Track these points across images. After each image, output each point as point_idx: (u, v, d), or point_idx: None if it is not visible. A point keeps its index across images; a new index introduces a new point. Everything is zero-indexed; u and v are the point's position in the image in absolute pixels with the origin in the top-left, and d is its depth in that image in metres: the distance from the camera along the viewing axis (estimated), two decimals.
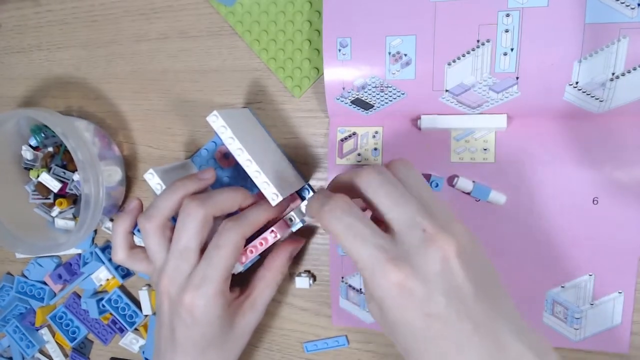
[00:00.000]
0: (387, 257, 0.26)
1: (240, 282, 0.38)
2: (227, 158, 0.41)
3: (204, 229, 0.34)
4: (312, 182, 0.41)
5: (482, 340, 0.25)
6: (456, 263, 0.26)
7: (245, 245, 0.35)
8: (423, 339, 0.26)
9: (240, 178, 0.41)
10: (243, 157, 0.33)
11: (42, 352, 0.52)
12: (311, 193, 0.40)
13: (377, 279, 0.26)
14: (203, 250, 0.34)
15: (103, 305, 0.47)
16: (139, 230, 0.44)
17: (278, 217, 0.37)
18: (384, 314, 0.27)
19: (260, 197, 0.38)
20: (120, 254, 0.37)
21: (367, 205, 0.29)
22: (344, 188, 0.30)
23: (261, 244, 0.35)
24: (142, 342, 0.48)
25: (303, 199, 0.39)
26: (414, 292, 0.26)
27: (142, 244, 0.39)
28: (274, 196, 0.33)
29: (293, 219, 0.38)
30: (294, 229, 0.38)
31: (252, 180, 0.34)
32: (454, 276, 0.26)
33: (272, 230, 0.35)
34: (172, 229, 0.35)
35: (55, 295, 0.50)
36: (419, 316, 0.26)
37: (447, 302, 0.26)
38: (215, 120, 0.33)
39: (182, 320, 0.33)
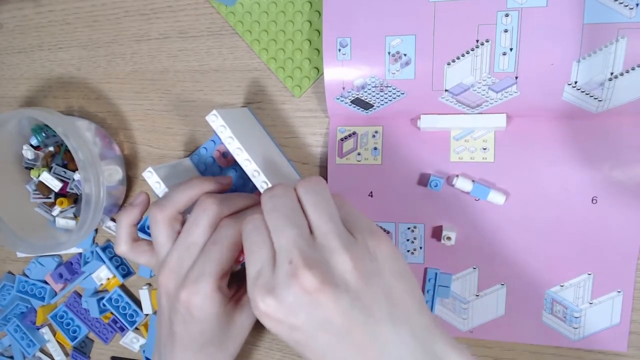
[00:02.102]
0: (259, 284, 0.27)
1: (239, 279, 0.38)
2: (225, 157, 0.42)
3: (215, 228, 0.34)
4: None
5: None
6: (319, 296, 0.26)
7: None
8: (304, 356, 0.28)
9: (238, 177, 0.41)
10: (242, 157, 0.33)
11: (43, 351, 0.52)
12: None
13: (252, 302, 0.28)
14: None
15: (104, 305, 0.47)
16: (141, 230, 0.44)
17: None
18: None
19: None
20: (123, 246, 0.37)
21: None
22: None
23: None
24: (142, 341, 0.48)
25: None
26: (280, 321, 0.27)
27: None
28: None
29: None
30: None
31: (250, 180, 0.34)
32: (318, 308, 0.26)
33: None
34: (182, 223, 0.35)
35: (56, 294, 0.50)
36: (290, 341, 0.28)
37: (315, 331, 0.27)
38: (215, 120, 0.33)
39: (179, 316, 0.34)
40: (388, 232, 0.39)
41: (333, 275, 0.27)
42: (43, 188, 0.44)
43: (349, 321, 0.26)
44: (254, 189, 0.41)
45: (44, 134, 0.44)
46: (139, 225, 0.43)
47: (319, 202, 0.29)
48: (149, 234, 0.43)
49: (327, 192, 0.30)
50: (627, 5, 0.30)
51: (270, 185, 0.33)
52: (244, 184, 0.41)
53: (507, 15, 0.32)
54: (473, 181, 0.36)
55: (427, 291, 0.39)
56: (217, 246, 0.33)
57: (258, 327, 0.44)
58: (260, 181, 0.34)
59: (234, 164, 0.41)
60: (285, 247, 0.27)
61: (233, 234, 0.33)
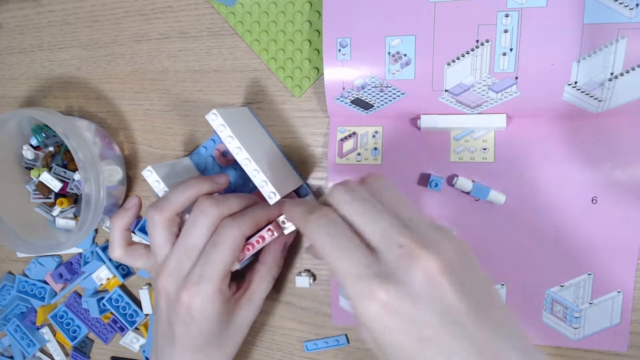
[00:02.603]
0: (370, 274, 0.24)
1: (237, 277, 0.38)
2: (225, 156, 0.42)
3: (214, 229, 0.34)
4: (311, 182, 0.41)
5: None
6: (443, 280, 0.23)
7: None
8: None
9: (238, 176, 0.41)
10: (241, 156, 0.33)
11: (43, 351, 0.52)
12: (309, 192, 0.40)
13: (361, 299, 0.24)
14: None
15: (104, 305, 0.47)
16: (137, 229, 0.44)
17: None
18: (375, 339, 0.25)
19: (259, 197, 0.38)
20: (117, 251, 0.37)
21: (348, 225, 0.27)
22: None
23: (258, 241, 0.35)
24: (142, 341, 0.48)
25: (301, 197, 0.39)
26: (401, 312, 0.23)
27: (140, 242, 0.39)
28: (271, 195, 0.34)
29: (286, 220, 0.37)
30: (286, 232, 0.36)
31: (250, 179, 0.34)
32: (443, 295, 0.23)
33: (269, 229, 0.35)
34: (180, 225, 0.35)
35: (56, 294, 0.50)
36: (411, 340, 0.24)
37: (441, 324, 0.23)
38: (215, 119, 0.33)
39: (180, 317, 0.34)
40: None
41: (445, 258, 0.24)
42: (43, 188, 0.44)
43: (469, 305, 0.24)
44: (253, 188, 0.41)
45: (44, 134, 0.44)
46: (138, 226, 0.44)
47: (399, 196, 0.28)
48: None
49: (397, 189, 0.28)
50: (627, 6, 0.30)
51: (269, 184, 0.33)
52: (244, 184, 0.41)
53: (507, 15, 0.32)
54: (473, 181, 0.36)
55: None
56: (218, 247, 0.33)
57: (258, 327, 0.44)
58: (260, 180, 0.34)
59: (234, 163, 0.41)
60: (387, 232, 0.25)
61: (234, 235, 0.33)
